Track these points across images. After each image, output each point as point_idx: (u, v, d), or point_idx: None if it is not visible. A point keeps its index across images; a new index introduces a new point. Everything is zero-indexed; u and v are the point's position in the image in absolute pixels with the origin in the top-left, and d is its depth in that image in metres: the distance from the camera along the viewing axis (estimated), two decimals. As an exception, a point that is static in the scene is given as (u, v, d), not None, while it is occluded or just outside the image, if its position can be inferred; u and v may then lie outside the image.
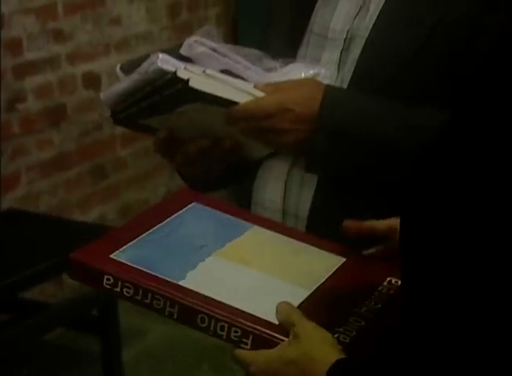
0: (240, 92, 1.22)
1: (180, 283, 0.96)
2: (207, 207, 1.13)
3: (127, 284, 0.96)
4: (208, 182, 1.38)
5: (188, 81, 1.16)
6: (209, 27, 1.29)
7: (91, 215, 3.37)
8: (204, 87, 1.18)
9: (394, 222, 1.04)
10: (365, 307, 0.97)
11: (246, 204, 1.36)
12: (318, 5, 1.34)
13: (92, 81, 3.32)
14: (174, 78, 1.17)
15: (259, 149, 1.29)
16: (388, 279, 1.02)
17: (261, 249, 1.07)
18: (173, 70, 1.17)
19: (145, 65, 1.20)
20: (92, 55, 3.32)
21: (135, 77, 1.22)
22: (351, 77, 1.27)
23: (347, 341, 0.91)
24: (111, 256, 0.99)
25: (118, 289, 0.96)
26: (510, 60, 0.74)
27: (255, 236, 1.10)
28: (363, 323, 0.95)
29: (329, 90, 1.25)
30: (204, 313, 0.93)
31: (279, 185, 1.31)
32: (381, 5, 1.27)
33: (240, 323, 0.91)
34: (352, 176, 1.26)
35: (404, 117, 1.23)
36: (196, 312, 0.93)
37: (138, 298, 0.95)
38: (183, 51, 1.23)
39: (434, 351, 0.76)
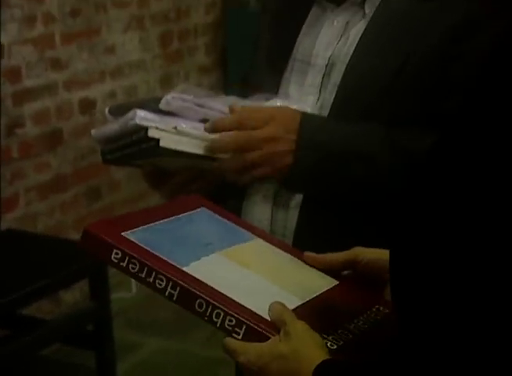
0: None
1: (183, 269, 0.97)
2: (215, 214, 1.14)
3: (133, 261, 0.96)
4: None
5: (159, 140, 1.19)
6: (185, 85, 1.31)
7: (86, 235, 3.36)
8: (175, 145, 1.20)
9: (351, 255, 1.04)
10: (353, 324, 0.97)
11: None
12: (301, 34, 1.36)
13: (88, 106, 3.34)
14: (146, 137, 1.20)
15: None
16: (377, 306, 1.02)
17: (262, 257, 1.08)
18: (148, 125, 1.20)
19: (125, 119, 1.23)
20: (88, 82, 3.33)
21: (117, 127, 1.25)
22: (333, 101, 1.28)
23: (335, 348, 0.92)
24: (122, 234, 1.00)
25: (124, 264, 0.96)
26: (498, 80, 0.74)
27: (258, 245, 1.11)
28: (350, 337, 0.95)
29: (305, 114, 1.27)
30: (203, 299, 0.93)
31: (266, 206, 1.33)
32: (360, 34, 1.29)
33: (236, 313, 0.92)
34: (333, 192, 1.27)
35: (382, 134, 1.24)
36: (195, 297, 0.93)
37: (142, 275, 0.96)
38: (162, 106, 1.24)
39: (422, 360, 0.76)
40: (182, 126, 1.22)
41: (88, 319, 2.81)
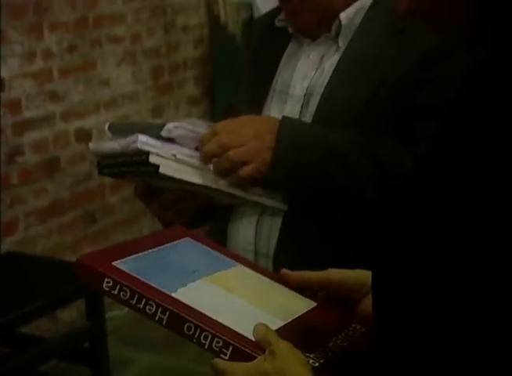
0: (208, 173, 1.24)
1: (172, 294, 0.98)
2: (199, 243, 1.15)
3: (124, 288, 0.96)
4: (181, 221, 1.39)
5: (158, 166, 1.19)
6: (188, 119, 1.30)
7: (82, 257, 3.35)
8: (173, 172, 1.21)
9: (324, 274, 1.03)
10: (332, 342, 0.98)
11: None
12: (280, 67, 1.39)
13: (84, 136, 3.33)
14: (147, 161, 1.20)
15: (227, 199, 1.31)
16: (353, 325, 1.03)
17: (245, 282, 1.09)
18: (149, 151, 1.20)
19: (126, 141, 1.22)
20: (84, 113, 3.33)
21: (117, 147, 1.24)
22: None
23: (316, 365, 0.92)
24: (113, 264, 1.00)
25: (116, 292, 0.97)
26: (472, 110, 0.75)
27: (241, 271, 1.11)
28: (330, 354, 0.96)
29: (285, 117, 1.28)
30: (191, 322, 0.94)
31: (250, 227, 1.34)
32: (334, 66, 1.31)
33: (223, 334, 0.93)
34: (311, 194, 1.26)
35: (361, 141, 1.24)
36: (184, 321, 0.94)
37: (133, 302, 0.96)
38: (163, 133, 1.23)
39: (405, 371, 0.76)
40: (181, 155, 1.22)
41: (84, 337, 2.80)
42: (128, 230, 3.59)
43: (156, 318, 0.95)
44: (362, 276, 0.99)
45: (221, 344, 0.92)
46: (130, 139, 1.22)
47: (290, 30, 1.37)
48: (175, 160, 1.21)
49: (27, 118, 3.10)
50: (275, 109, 1.35)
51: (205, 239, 1.16)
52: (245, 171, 1.25)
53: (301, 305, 1.05)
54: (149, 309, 0.95)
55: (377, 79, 1.26)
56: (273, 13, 1.44)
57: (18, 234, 3.10)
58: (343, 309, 1.04)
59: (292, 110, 1.33)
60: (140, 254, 1.05)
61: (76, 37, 3.26)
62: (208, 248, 1.14)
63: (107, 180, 3.35)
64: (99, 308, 2.74)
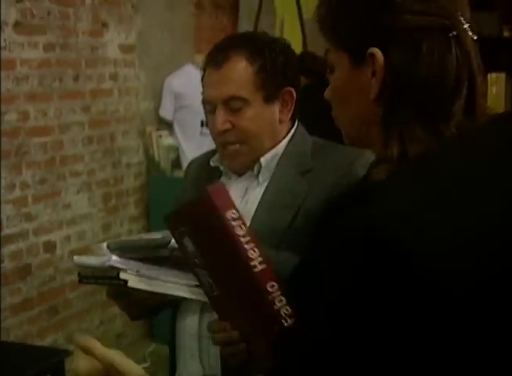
0: (171, 284, 1.18)
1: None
2: None
3: (243, 226, 0.90)
4: (145, 314, 1.36)
5: (127, 281, 1.13)
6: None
7: (47, 342, 3.19)
8: (138, 285, 1.14)
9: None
10: None
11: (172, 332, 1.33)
12: None
13: (50, 247, 3.25)
14: (117, 277, 1.14)
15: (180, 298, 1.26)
16: None
17: None
18: (120, 268, 1.13)
19: (102, 259, 1.16)
20: (51, 229, 3.25)
21: (95, 263, 1.17)
22: None
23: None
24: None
25: (235, 224, 0.90)
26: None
27: None
28: None
29: None
30: (275, 282, 0.87)
31: (195, 319, 1.29)
32: (257, 197, 1.30)
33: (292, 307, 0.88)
34: None
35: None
36: (272, 279, 0.88)
37: (245, 240, 0.89)
38: (171, 246, 1.12)
39: None
40: (144, 270, 1.16)
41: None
42: (83, 320, 3.45)
43: (253, 263, 0.87)
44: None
45: (289, 312, 0.85)
46: (105, 258, 1.16)
47: (221, 168, 1.36)
48: (139, 275, 1.15)
49: (6, 234, 3.01)
50: None
51: None
52: None
53: None
54: (251, 254, 0.87)
55: (295, 209, 1.24)
56: (208, 155, 1.41)
57: (-5, 326, 2.93)
58: None
59: None
60: None
61: (46, 173, 3.23)
62: None
63: (67, 281, 3.26)
64: (61, 383, 2.57)
